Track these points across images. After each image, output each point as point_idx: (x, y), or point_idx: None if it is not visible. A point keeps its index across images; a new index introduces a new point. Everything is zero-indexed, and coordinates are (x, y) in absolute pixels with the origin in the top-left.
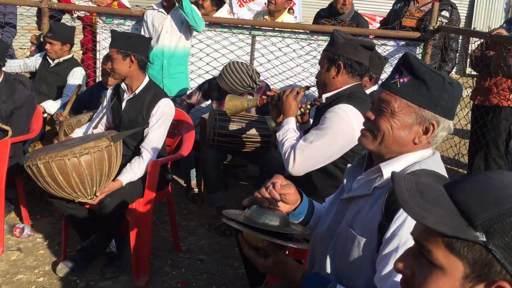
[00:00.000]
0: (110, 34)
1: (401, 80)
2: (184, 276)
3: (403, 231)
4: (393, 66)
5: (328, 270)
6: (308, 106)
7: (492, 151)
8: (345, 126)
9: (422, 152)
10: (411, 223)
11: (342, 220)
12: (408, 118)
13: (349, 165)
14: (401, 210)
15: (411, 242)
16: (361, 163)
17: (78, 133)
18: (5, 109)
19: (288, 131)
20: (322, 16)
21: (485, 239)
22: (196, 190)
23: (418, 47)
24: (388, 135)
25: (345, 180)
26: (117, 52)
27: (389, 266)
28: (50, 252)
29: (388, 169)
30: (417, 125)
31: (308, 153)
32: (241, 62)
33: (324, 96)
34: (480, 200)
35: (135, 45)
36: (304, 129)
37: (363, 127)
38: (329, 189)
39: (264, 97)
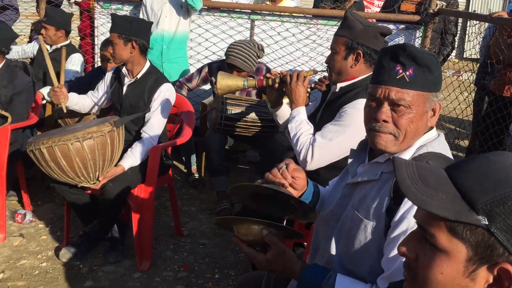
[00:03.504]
0: (109, 19)
1: (407, 72)
2: (187, 260)
3: (412, 214)
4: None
5: (333, 252)
6: (308, 90)
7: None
8: None
9: (427, 135)
10: None
11: (348, 204)
12: (422, 107)
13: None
14: None
15: None
16: (365, 147)
17: (76, 101)
18: (5, 94)
19: (301, 124)
20: None
21: (487, 222)
22: (196, 175)
23: (418, 31)
24: (410, 131)
25: (349, 161)
26: (119, 37)
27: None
28: (52, 237)
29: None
30: (429, 110)
31: (327, 151)
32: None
33: (339, 85)
34: (481, 184)
35: (136, 30)
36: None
37: (377, 131)
38: (332, 173)
39: (262, 78)
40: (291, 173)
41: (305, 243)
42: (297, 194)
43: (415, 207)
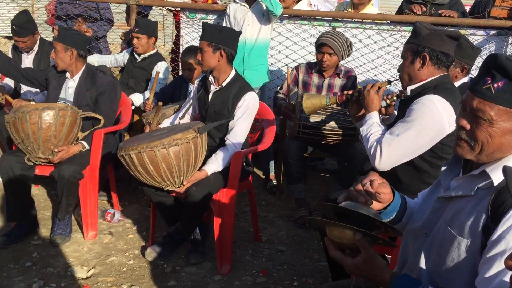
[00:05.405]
0: (193, 28)
1: (495, 85)
2: (265, 265)
3: (511, 235)
4: (483, 58)
5: (422, 266)
6: (394, 98)
7: None
8: (433, 117)
9: None
10: None
11: (439, 219)
12: (508, 124)
13: (445, 162)
14: (511, 212)
15: None
16: (459, 160)
17: (165, 123)
18: (90, 96)
19: (372, 126)
20: (413, 2)
21: None
22: (274, 182)
23: (510, 37)
24: (487, 145)
25: (442, 170)
26: (208, 45)
27: (494, 269)
28: (139, 236)
29: (495, 173)
30: None
31: (394, 147)
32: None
33: (409, 88)
34: None
35: (226, 39)
36: (388, 121)
37: (458, 137)
38: (415, 183)
39: (342, 94)
40: (375, 190)
41: (388, 256)
42: (382, 207)
43: None
